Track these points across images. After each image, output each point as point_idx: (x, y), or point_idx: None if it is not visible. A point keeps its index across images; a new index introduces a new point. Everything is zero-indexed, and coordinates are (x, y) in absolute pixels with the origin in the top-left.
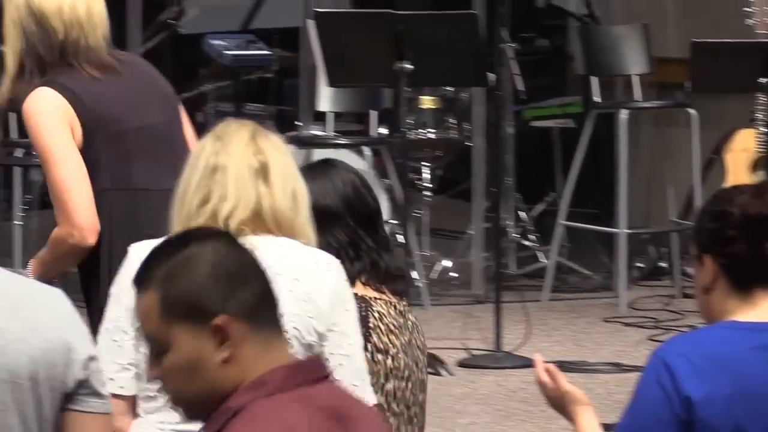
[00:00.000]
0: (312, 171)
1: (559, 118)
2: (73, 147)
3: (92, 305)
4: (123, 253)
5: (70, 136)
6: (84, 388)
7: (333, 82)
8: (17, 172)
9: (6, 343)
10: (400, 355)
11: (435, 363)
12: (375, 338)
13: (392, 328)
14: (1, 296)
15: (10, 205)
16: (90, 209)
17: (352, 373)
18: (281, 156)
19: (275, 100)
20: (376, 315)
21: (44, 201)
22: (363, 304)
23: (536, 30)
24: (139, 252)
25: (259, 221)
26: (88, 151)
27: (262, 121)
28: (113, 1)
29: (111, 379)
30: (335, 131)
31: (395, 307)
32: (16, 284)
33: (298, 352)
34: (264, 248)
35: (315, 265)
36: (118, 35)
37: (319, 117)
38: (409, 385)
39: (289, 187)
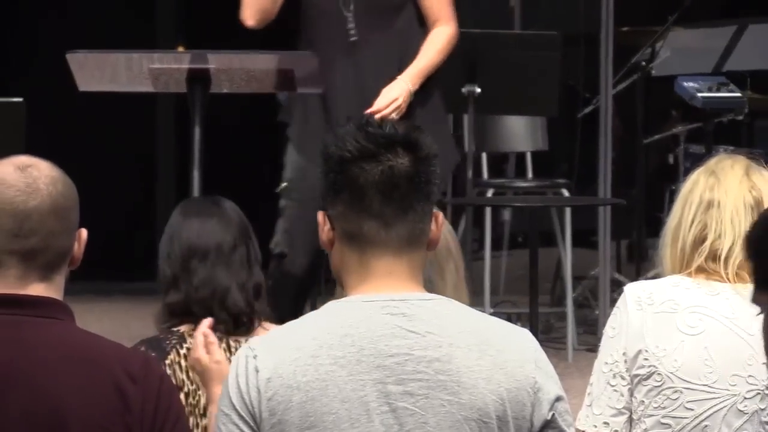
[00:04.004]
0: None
1: None
2: None
3: None
4: None
5: None
6: (550, 428)
7: None
8: (488, 211)
9: (475, 381)
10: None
11: None
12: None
13: None
14: (470, 335)
15: (481, 245)
16: None
17: None
18: None
19: (747, 143)
20: (183, 351)
21: (513, 241)
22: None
23: None
24: (634, 291)
25: None
26: None
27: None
28: (585, 41)
29: (605, 423)
30: None
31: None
32: (485, 324)
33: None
34: None
35: None
36: (592, 77)
37: None
38: None
39: None
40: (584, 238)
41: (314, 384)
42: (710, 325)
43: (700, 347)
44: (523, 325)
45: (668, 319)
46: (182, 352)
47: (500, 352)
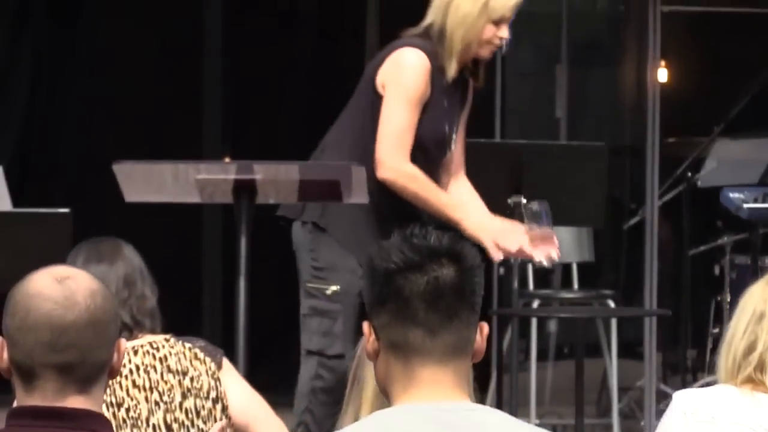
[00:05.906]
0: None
1: None
2: None
3: None
4: None
5: None
6: None
7: None
8: (533, 322)
9: None
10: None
11: None
12: None
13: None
14: None
15: (527, 356)
16: None
17: None
18: None
19: None
20: None
21: (559, 352)
22: None
23: None
24: (681, 399)
25: None
26: None
27: None
28: (631, 152)
29: None
30: None
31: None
32: None
33: None
34: None
35: None
36: (638, 187)
37: None
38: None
39: None
40: (630, 349)
41: None
42: None
43: None
44: None
45: (708, 429)
46: None
47: None
